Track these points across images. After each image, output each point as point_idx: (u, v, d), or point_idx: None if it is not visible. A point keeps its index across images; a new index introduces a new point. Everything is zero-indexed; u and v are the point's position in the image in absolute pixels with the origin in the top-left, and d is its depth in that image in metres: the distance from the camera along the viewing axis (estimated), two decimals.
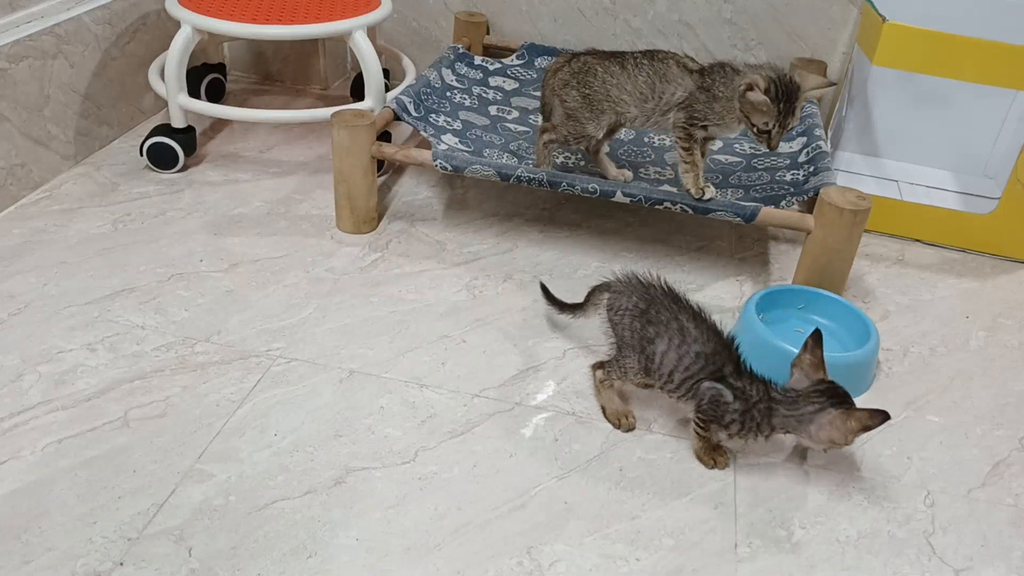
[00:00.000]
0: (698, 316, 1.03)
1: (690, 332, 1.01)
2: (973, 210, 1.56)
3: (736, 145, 1.60)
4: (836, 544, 0.96)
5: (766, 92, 1.20)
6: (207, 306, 1.25)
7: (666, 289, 1.06)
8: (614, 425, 1.08)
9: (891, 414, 1.13)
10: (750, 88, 1.20)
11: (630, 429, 1.08)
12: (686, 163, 1.30)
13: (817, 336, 1.02)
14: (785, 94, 1.20)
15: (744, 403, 0.99)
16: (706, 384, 1.00)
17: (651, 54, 1.32)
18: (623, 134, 1.61)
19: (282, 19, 1.48)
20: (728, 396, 0.99)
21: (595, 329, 1.25)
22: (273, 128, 1.78)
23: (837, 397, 0.98)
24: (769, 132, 1.23)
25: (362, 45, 1.51)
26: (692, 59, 1.31)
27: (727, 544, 0.95)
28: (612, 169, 1.45)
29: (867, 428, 0.96)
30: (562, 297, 1.22)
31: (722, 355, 1.01)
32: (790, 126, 1.23)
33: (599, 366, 1.11)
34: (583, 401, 1.13)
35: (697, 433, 1.04)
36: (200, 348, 1.17)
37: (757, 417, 0.99)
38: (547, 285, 1.24)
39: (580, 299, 1.17)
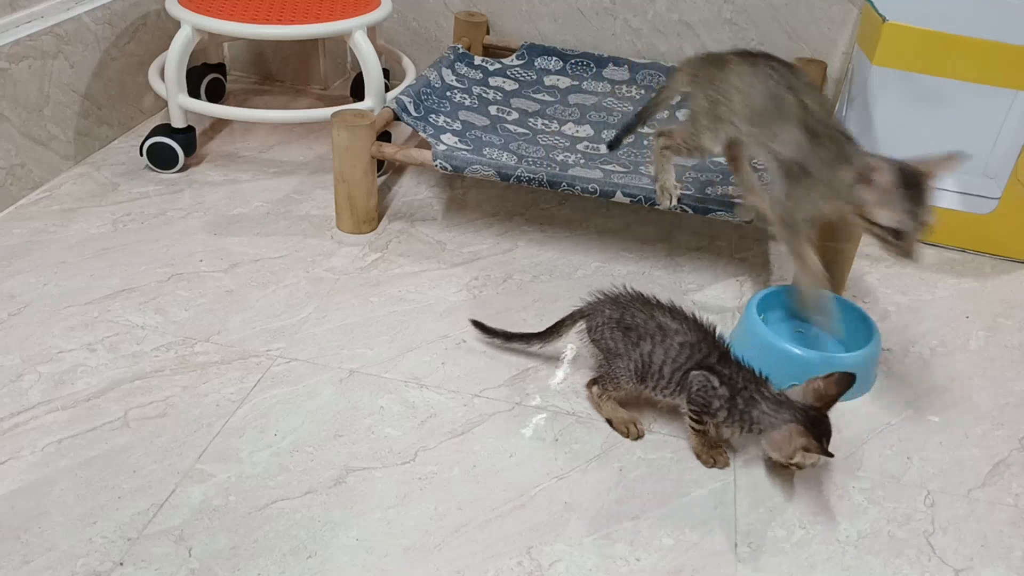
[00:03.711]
0: (674, 311, 1.06)
1: (669, 326, 1.04)
2: (973, 210, 1.56)
3: None
4: (836, 544, 0.96)
5: (890, 181, 0.97)
6: (207, 306, 1.25)
7: (635, 294, 1.09)
8: (623, 434, 1.08)
9: (891, 414, 1.13)
10: (865, 177, 0.99)
11: (639, 436, 1.08)
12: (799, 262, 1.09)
13: (845, 379, 0.99)
14: (913, 179, 0.97)
15: (730, 389, 1.00)
16: (694, 372, 1.01)
17: (792, 75, 1.13)
18: None
19: (282, 19, 1.48)
20: (715, 382, 1.00)
21: None
22: (273, 128, 1.78)
23: (814, 424, 0.97)
24: (901, 232, 0.99)
25: (362, 45, 1.51)
26: (827, 109, 1.09)
27: (727, 544, 0.95)
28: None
29: (806, 449, 0.95)
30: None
31: (706, 343, 1.03)
32: (927, 223, 0.98)
33: (593, 383, 1.11)
34: (583, 401, 1.13)
35: (693, 428, 1.04)
36: (200, 348, 1.17)
37: (740, 405, 1.00)
38: (480, 321, 1.20)
39: (541, 327, 1.15)
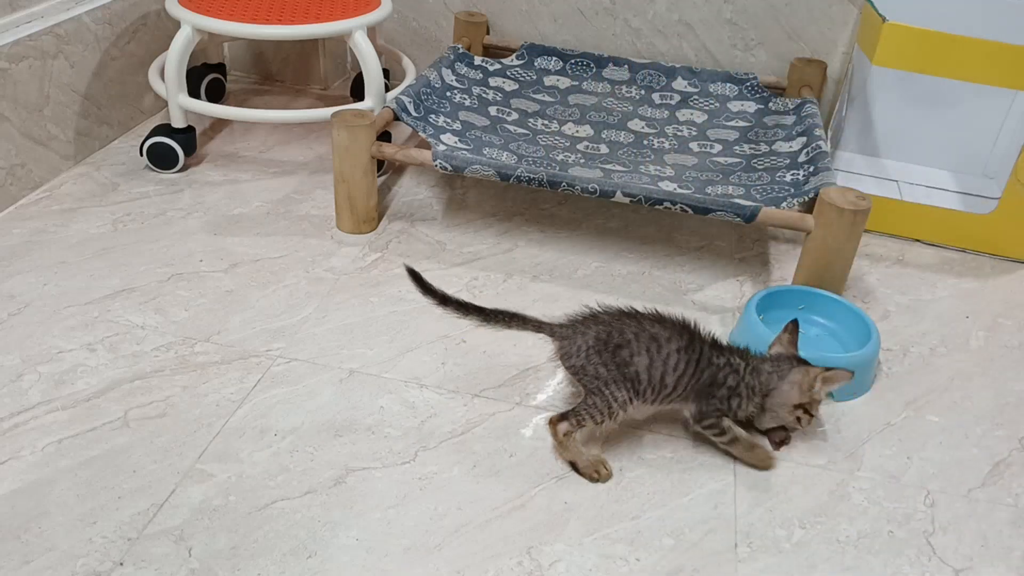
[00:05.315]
0: (659, 318, 1.03)
1: (661, 335, 1.00)
2: (973, 210, 1.56)
3: (736, 147, 1.60)
4: (836, 544, 0.96)
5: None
6: (207, 306, 1.25)
7: (613, 310, 1.03)
8: (591, 479, 1.01)
9: (891, 414, 1.14)
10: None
11: (609, 477, 1.02)
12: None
13: (795, 323, 1.09)
14: None
15: (736, 375, 1.02)
16: (716, 396, 1.02)
17: None
18: (622, 136, 1.61)
19: (282, 19, 1.48)
20: (731, 381, 1.02)
21: None
22: (273, 128, 1.78)
23: (806, 363, 1.05)
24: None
25: (362, 45, 1.51)
26: None
27: (727, 544, 0.95)
28: None
29: (826, 376, 1.02)
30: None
31: (696, 341, 1.02)
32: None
33: (560, 419, 1.01)
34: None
35: (716, 438, 1.04)
36: (200, 348, 1.17)
37: (751, 381, 1.02)
38: (417, 271, 1.10)
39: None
